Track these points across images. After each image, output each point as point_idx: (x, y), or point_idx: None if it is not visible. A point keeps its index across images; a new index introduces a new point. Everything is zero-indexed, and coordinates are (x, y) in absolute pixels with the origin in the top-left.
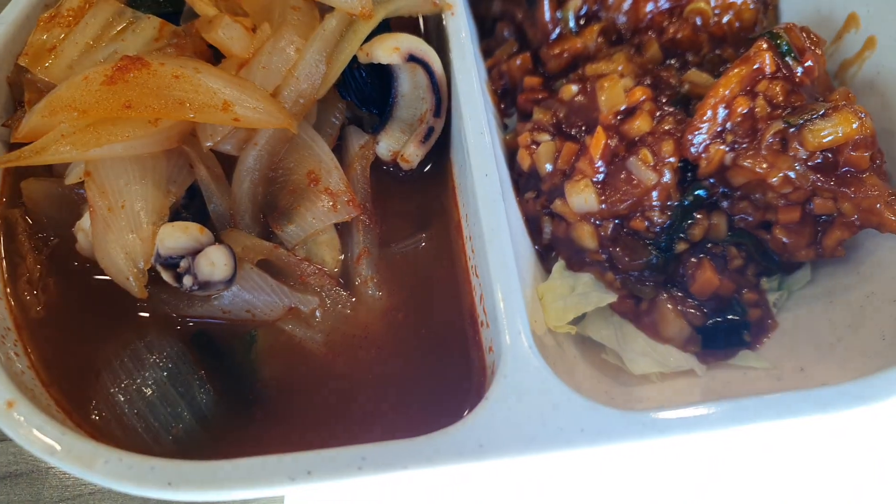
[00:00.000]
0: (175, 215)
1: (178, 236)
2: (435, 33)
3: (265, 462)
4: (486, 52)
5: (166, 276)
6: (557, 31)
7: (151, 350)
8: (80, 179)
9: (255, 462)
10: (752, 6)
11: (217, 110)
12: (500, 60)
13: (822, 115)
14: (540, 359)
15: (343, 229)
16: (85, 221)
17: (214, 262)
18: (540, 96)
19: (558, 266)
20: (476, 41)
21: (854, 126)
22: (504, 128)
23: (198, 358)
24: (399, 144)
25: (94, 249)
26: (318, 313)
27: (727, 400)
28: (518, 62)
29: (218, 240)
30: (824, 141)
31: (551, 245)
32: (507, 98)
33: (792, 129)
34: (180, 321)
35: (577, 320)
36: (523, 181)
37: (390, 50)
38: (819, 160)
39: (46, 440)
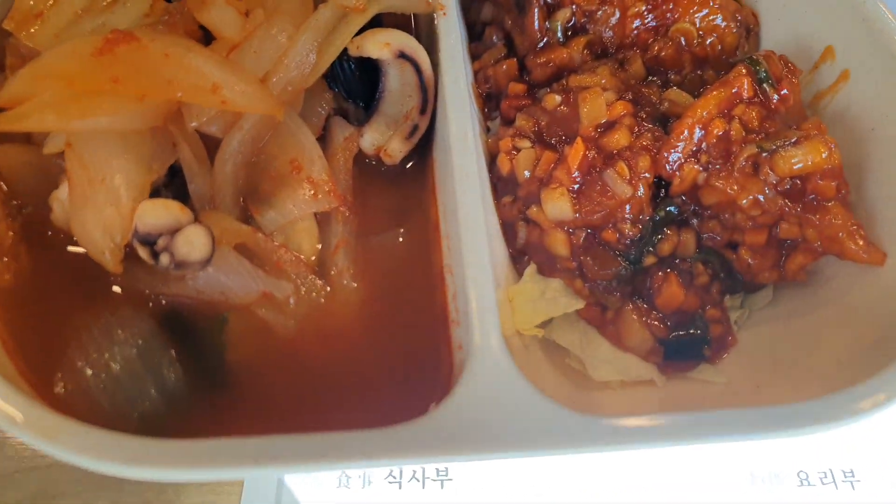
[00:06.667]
0: (155, 193)
1: (159, 213)
2: (425, 32)
3: (231, 444)
4: (474, 55)
5: (142, 254)
6: (545, 40)
7: (122, 326)
8: (59, 150)
9: (220, 443)
10: (734, 31)
11: (206, 92)
12: (486, 64)
13: (794, 143)
14: (510, 360)
15: (322, 219)
16: (62, 192)
17: (193, 242)
18: (523, 103)
19: (530, 270)
20: (465, 43)
21: (823, 156)
22: (487, 131)
23: (169, 337)
24: (383, 139)
25: (70, 221)
26: (291, 300)
27: (688, 413)
28: (504, 67)
29: (197, 220)
30: (794, 168)
31: (524, 250)
32: (491, 102)
33: (764, 154)
34: (153, 299)
35: (545, 324)
36: (501, 185)
37: (381, 45)
38: (788, 186)
39: (9, 410)
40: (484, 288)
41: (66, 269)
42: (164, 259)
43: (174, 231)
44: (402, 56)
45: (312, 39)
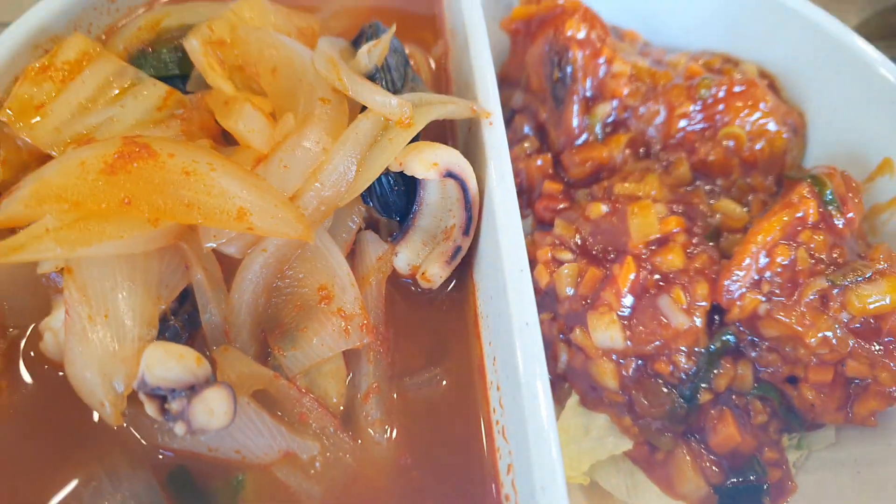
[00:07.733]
0: (162, 322)
1: (171, 366)
2: (463, 134)
3: None
4: None
5: (150, 410)
6: (583, 136)
7: (117, 487)
8: (55, 269)
9: None
10: (785, 136)
11: (230, 218)
12: (517, 157)
13: (869, 279)
14: None
15: (350, 354)
16: (55, 319)
17: (213, 410)
18: (560, 206)
19: (572, 402)
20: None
21: None
22: None
23: (172, 501)
24: (419, 258)
25: (64, 361)
26: (317, 462)
27: None
28: (539, 163)
29: (214, 373)
30: (870, 307)
31: (565, 376)
32: (521, 198)
33: (836, 290)
34: (156, 451)
35: None
36: (538, 299)
37: (428, 165)
38: (858, 324)
39: None
40: (553, 474)
41: (53, 410)
42: (180, 429)
43: (188, 387)
44: (450, 175)
45: (352, 154)
